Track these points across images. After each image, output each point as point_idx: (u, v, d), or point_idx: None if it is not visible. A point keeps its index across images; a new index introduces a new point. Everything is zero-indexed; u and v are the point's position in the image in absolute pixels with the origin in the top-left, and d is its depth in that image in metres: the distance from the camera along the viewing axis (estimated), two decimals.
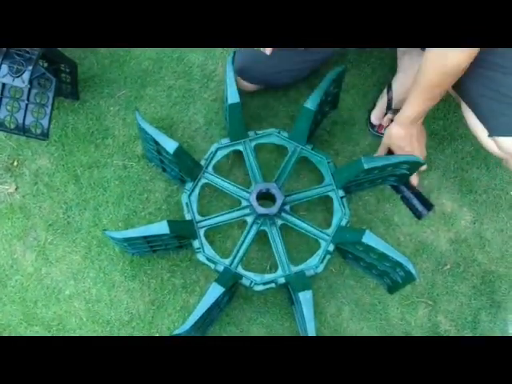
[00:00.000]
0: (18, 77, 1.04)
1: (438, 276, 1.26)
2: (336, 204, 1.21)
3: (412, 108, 1.11)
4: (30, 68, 1.04)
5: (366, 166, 1.12)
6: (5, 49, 1.03)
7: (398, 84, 1.28)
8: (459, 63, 0.98)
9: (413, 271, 1.06)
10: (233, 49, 1.35)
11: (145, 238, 1.12)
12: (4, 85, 1.12)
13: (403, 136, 1.17)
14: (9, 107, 1.13)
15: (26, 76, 1.04)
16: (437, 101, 1.10)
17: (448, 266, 1.26)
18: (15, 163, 1.28)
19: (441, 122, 1.33)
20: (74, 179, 1.28)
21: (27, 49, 1.04)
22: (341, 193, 1.22)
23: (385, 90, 1.31)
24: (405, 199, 1.28)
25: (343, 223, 1.20)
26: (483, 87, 1.05)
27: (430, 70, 1.02)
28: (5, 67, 1.04)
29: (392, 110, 1.30)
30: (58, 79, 1.22)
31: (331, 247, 1.18)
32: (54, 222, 1.25)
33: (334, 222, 1.20)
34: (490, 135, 1.07)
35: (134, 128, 1.31)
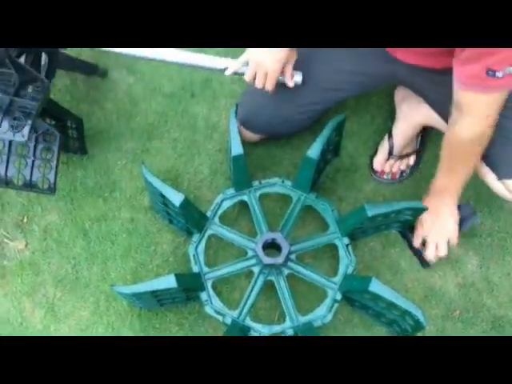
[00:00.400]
0: (18, 132, 1.07)
1: (447, 322, 1.25)
2: (342, 252, 1.22)
3: (439, 178, 1.17)
4: (30, 122, 1.05)
5: (369, 214, 1.13)
6: (5, 106, 1.05)
7: (398, 131, 1.31)
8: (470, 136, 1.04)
9: (422, 320, 1.06)
10: (235, 100, 1.39)
11: (152, 292, 1.13)
12: (11, 143, 1.15)
13: (436, 215, 1.20)
14: (16, 164, 1.15)
15: (26, 130, 1.06)
16: (461, 176, 1.15)
17: (457, 312, 1.25)
18: (25, 220, 1.31)
19: None
20: (83, 233, 1.30)
21: (27, 104, 1.07)
22: (346, 240, 1.22)
23: (386, 137, 1.33)
24: (412, 247, 1.28)
25: (349, 271, 1.20)
26: (493, 134, 1.07)
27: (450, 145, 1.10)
28: (5, 123, 1.06)
29: (394, 156, 1.32)
30: (64, 135, 1.26)
31: (339, 296, 1.18)
32: (62, 278, 1.27)
33: (341, 270, 1.21)
34: (499, 178, 1.09)
35: (140, 180, 1.34)
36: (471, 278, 1.28)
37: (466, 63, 0.95)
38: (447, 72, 1.02)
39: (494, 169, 1.12)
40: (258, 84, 1.12)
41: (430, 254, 1.24)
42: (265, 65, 1.09)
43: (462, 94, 1.01)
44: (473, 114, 1.02)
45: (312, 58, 1.18)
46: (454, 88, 1.02)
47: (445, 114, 1.13)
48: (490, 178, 1.14)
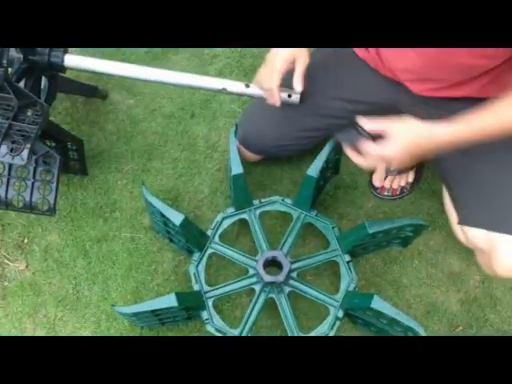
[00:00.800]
0: (17, 155, 1.07)
1: None
2: (343, 269, 1.22)
3: (455, 133, 0.96)
4: (29, 146, 1.06)
5: (370, 231, 1.14)
6: (4, 129, 1.06)
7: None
8: None
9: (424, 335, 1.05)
10: (235, 120, 1.40)
11: (153, 311, 1.12)
12: (11, 165, 1.16)
13: (416, 146, 0.99)
14: (16, 187, 1.16)
15: (25, 154, 1.06)
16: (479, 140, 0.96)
17: (460, 328, 1.25)
18: (26, 240, 1.31)
19: None
20: (83, 254, 1.30)
21: (26, 128, 1.08)
22: (347, 257, 1.22)
23: None
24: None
25: (351, 288, 1.20)
26: (464, 176, 1.05)
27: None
28: (4, 147, 1.06)
29: (392, 171, 1.32)
30: (65, 156, 1.27)
31: (340, 313, 1.17)
32: (63, 298, 1.26)
33: (342, 287, 1.20)
34: (459, 223, 1.08)
35: (141, 200, 1.34)
36: (473, 293, 1.27)
37: None
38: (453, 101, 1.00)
39: (457, 209, 1.09)
40: (263, 83, 1.10)
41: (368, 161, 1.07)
42: (272, 63, 1.07)
43: None
44: None
45: (312, 84, 1.14)
46: None
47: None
48: (452, 217, 1.12)
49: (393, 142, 0.99)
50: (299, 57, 1.06)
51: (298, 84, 1.08)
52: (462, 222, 1.07)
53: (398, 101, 1.16)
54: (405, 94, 1.13)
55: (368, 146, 1.02)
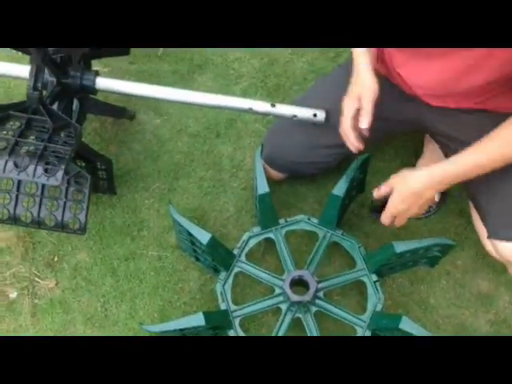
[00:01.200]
0: (52, 176, 1.10)
1: None
2: (370, 289, 1.21)
3: (458, 167, 0.99)
4: (63, 167, 1.08)
5: (397, 250, 1.13)
6: (39, 151, 1.09)
7: (421, 167, 1.31)
8: None
9: None
10: (259, 139, 1.42)
11: (181, 330, 1.13)
12: (44, 186, 1.19)
13: (415, 192, 1.03)
14: (48, 206, 1.18)
15: (60, 175, 1.08)
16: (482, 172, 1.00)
17: None
18: (55, 259, 1.33)
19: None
20: (111, 272, 1.32)
21: (60, 149, 1.11)
22: (374, 277, 1.22)
23: None
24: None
25: (378, 308, 1.19)
26: (491, 191, 1.05)
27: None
28: (40, 168, 1.09)
29: None
30: (94, 176, 1.29)
31: (368, 333, 1.16)
32: (91, 316, 1.28)
33: (369, 307, 1.19)
34: (489, 237, 1.07)
35: (167, 219, 1.36)
36: (503, 315, 1.25)
37: None
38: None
39: (485, 224, 1.08)
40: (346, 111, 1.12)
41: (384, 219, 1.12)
42: (358, 99, 1.09)
43: None
44: None
45: (337, 100, 1.14)
46: None
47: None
48: (481, 233, 1.11)
49: (394, 197, 1.06)
50: (367, 91, 1.07)
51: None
52: (491, 236, 1.07)
53: (421, 115, 1.17)
54: (426, 108, 1.14)
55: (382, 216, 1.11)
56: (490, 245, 1.09)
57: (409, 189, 1.03)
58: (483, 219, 1.10)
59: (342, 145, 1.18)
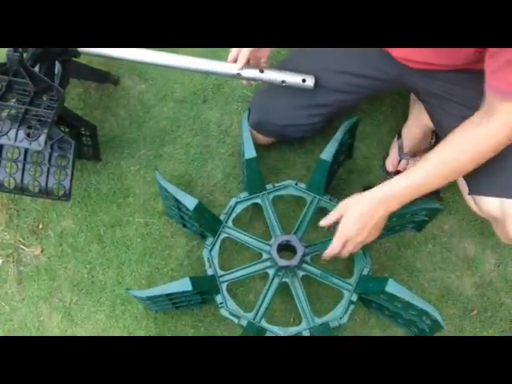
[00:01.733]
0: (34, 140, 1.08)
1: (465, 322, 1.23)
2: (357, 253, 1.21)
3: (410, 181, 1.01)
4: (46, 131, 1.06)
5: None
6: (21, 115, 1.07)
7: (407, 131, 1.30)
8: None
9: (439, 320, 1.05)
10: (247, 104, 1.40)
11: (168, 295, 1.13)
12: (26, 151, 1.16)
13: (365, 212, 1.03)
14: (32, 172, 1.16)
15: (42, 139, 1.06)
16: (430, 187, 1.01)
17: (475, 312, 1.24)
18: (40, 226, 1.32)
19: None
20: (98, 238, 1.31)
21: (42, 113, 1.08)
22: None
23: (395, 137, 1.33)
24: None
25: (365, 272, 1.19)
26: None
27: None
28: (21, 132, 1.07)
29: (404, 154, 1.31)
30: (78, 142, 1.27)
31: (354, 297, 1.17)
32: (78, 283, 1.27)
33: (356, 271, 1.20)
34: (470, 193, 1.06)
35: (154, 186, 1.35)
36: (488, 277, 1.26)
37: (505, 69, 0.88)
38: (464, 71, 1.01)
39: (466, 181, 1.08)
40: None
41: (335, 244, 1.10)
42: None
43: (498, 104, 0.92)
44: (506, 124, 0.93)
45: (318, 59, 1.17)
46: (486, 94, 0.95)
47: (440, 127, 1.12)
48: (463, 189, 1.11)
49: (345, 218, 1.05)
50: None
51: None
52: (472, 191, 1.06)
53: (402, 75, 1.15)
54: (408, 68, 1.12)
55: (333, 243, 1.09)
56: (472, 201, 1.09)
57: (359, 209, 1.03)
58: (464, 176, 1.10)
59: (327, 104, 1.17)
